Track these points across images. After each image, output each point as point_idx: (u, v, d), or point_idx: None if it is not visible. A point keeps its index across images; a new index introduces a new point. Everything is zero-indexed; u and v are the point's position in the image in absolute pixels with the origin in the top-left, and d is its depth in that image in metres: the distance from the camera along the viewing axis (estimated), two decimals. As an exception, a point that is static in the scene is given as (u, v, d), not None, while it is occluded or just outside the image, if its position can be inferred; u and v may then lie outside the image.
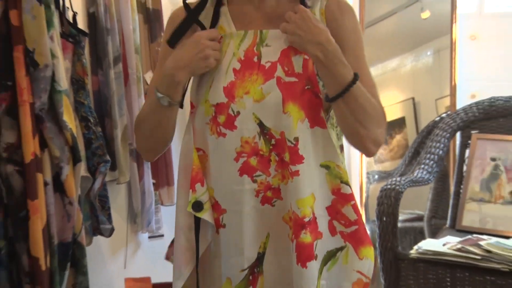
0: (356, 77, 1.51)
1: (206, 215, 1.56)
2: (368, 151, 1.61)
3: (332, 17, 1.62)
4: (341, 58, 1.50)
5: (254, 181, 1.55)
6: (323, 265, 1.58)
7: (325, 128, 1.57)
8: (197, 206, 1.56)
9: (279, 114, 1.55)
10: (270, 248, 1.58)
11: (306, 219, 1.52)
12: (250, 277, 1.57)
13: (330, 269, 1.60)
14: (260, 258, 1.57)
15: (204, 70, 1.55)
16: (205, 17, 1.68)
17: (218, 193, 1.58)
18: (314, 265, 1.55)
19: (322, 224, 1.58)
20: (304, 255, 1.53)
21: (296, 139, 1.54)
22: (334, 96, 1.50)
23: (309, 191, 1.55)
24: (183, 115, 2.64)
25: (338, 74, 1.49)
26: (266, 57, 1.56)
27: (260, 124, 1.55)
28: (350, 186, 1.60)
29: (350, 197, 1.59)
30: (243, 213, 1.56)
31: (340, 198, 1.59)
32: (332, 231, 1.59)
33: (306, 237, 1.53)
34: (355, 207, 1.60)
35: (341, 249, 1.60)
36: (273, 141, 1.56)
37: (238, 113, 1.54)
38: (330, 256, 1.60)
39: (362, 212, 3.62)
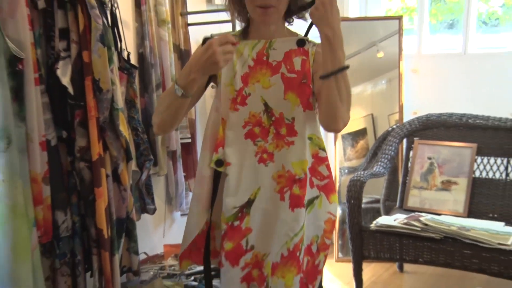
0: (347, 66, 1.49)
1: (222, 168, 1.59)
2: (337, 124, 1.55)
3: (318, 56, 1.61)
4: (343, 46, 1.47)
5: (255, 144, 1.58)
6: (305, 210, 1.60)
7: (312, 110, 1.59)
8: (219, 163, 1.59)
9: (281, 100, 1.58)
10: (259, 197, 1.59)
11: (297, 177, 1.57)
12: (239, 214, 1.58)
13: (309, 212, 1.62)
14: (250, 202, 1.58)
15: (215, 71, 1.54)
16: None
17: (227, 151, 1.59)
18: (301, 211, 1.58)
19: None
20: (295, 203, 1.57)
21: (293, 118, 1.58)
22: (330, 72, 1.46)
23: (302, 157, 1.58)
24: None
25: (337, 56, 1.45)
26: (273, 57, 1.59)
27: (265, 104, 1.58)
28: (325, 151, 1.65)
29: (325, 159, 1.64)
30: (243, 167, 1.58)
31: (317, 160, 1.63)
32: (311, 185, 1.62)
33: (296, 189, 1.57)
34: (328, 166, 1.65)
35: (317, 197, 1.63)
36: (273, 118, 1.59)
37: (249, 94, 1.58)
38: (309, 203, 1.63)
39: (336, 196, 3.60)
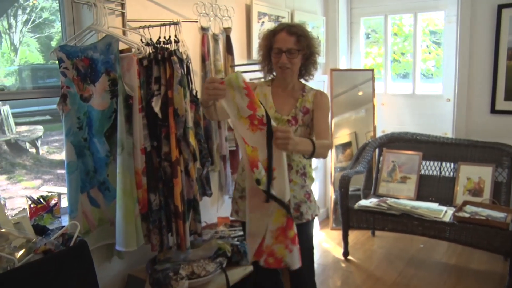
0: (314, 146, 1.44)
1: (261, 186, 1.34)
2: (324, 158, 1.56)
3: (317, 99, 1.62)
4: (303, 146, 1.42)
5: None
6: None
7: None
8: (257, 182, 1.33)
9: None
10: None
11: None
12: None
13: None
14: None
15: (210, 99, 1.42)
16: (261, 89, 1.68)
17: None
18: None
19: None
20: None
21: None
22: (309, 156, 1.48)
23: None
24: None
25: (304, 150, 1.44)
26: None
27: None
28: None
29: None
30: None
31: None
32: None
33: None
34: None
35: None
36: None
37: (262, 116, 1.35)
38: None
39: (331, 187, 3.56)
